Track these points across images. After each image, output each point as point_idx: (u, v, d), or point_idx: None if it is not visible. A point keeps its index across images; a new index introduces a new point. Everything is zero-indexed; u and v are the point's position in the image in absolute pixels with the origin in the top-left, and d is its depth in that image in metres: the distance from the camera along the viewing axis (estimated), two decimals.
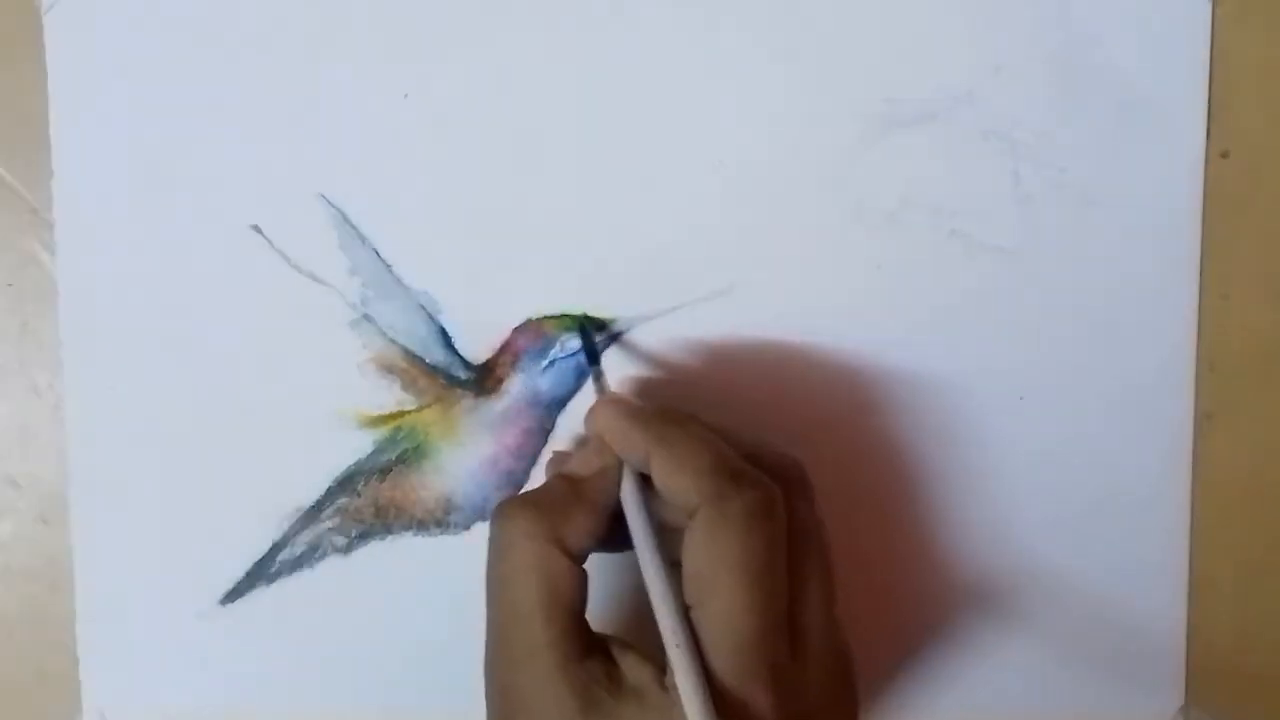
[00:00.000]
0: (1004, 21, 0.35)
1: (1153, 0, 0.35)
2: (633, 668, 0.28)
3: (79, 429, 0.35)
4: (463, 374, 0.36)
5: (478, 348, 0.35)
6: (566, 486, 0.30)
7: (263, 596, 0.36)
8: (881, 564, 0.36)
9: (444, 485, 0.36)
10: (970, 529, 0.36)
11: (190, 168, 0.35)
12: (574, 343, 0.35)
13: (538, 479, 0.35)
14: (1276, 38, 0.35)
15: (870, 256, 0.35)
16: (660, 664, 0.28)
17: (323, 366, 0.35)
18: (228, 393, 0.35)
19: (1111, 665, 0.36)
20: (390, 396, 0.36)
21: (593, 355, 0.34)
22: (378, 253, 0.35)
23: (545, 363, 0.35)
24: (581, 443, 0.34)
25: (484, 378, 0.35)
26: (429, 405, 0.36)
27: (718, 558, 0.27)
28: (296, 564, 0.36)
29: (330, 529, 0.36)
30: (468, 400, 0.36)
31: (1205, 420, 0.36)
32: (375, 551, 0.36)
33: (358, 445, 0.36)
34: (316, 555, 0.36)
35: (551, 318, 0.35)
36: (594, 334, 0.35)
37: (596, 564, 0.30)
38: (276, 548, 0.36)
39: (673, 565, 0.29)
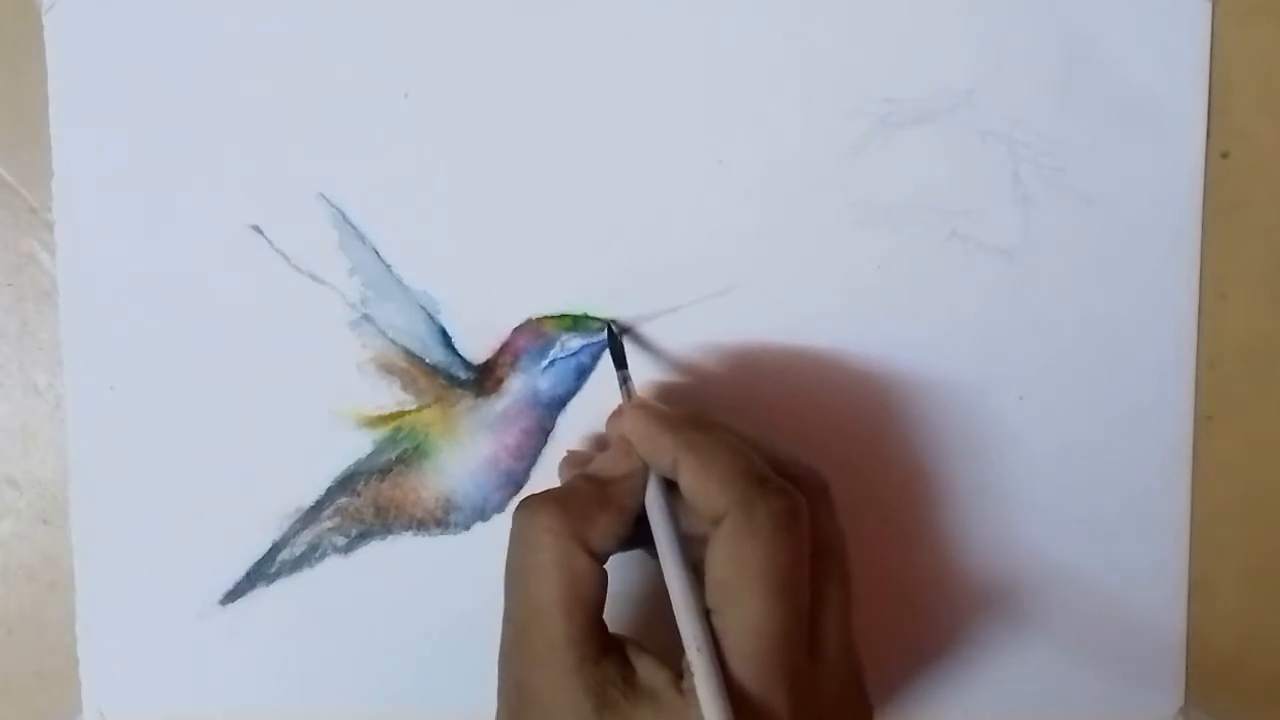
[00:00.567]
0: (1004, 21, 0.35)
1: (1153, 0, 0.35)
2: (648, 671, 0.28)
3: (79, 429, 0.35)
4: (463, 374, 0.36)
5: (478, 348, 0.35)
6: (592, 487, 0.30)
7: (263, 596, 0.36)
8: (877, 565, 0.36)
9: (444, 485, 0.36)
10: (968, 529, 0.36)
11: (190, 168, 0.35)
12: (574, 342, 0.35)
13: (538, 479, 0.35)
14: (1276, 38, 0.35)
15: (870, 256, 0.35)
16: (676, 669, 0.28)
17: (322, 366, 0.35)
18: (228, 392, 0.35)
19: (1111, 665, 0.36)
20: (390, 396, 0.36)
21: (620, 359, 0.34)
22: (378, 253, 0.35)
23: (545, 363, 0.35)
24: (599, 444, 0.34)
25: (484, 378, 0.35)
26: (429, 405, 0.36)
27: (742, 564, 0.28)
28: (296, 564, 0.36)
29: (330, 529, 0.36)
30: (468, 400, 0.36)
31: (1205, 420, 0.36)
32: (375, 551, 0.36)
33: (358, 445, 0.36)
34: (316, 555, 0.36)
35: (551, 318, 0.35)
36: (620, 335, 0.35)
37: (610, 566, 0.30)
38: (276, 548, 0.36)
39: (692, 571, 0.29)
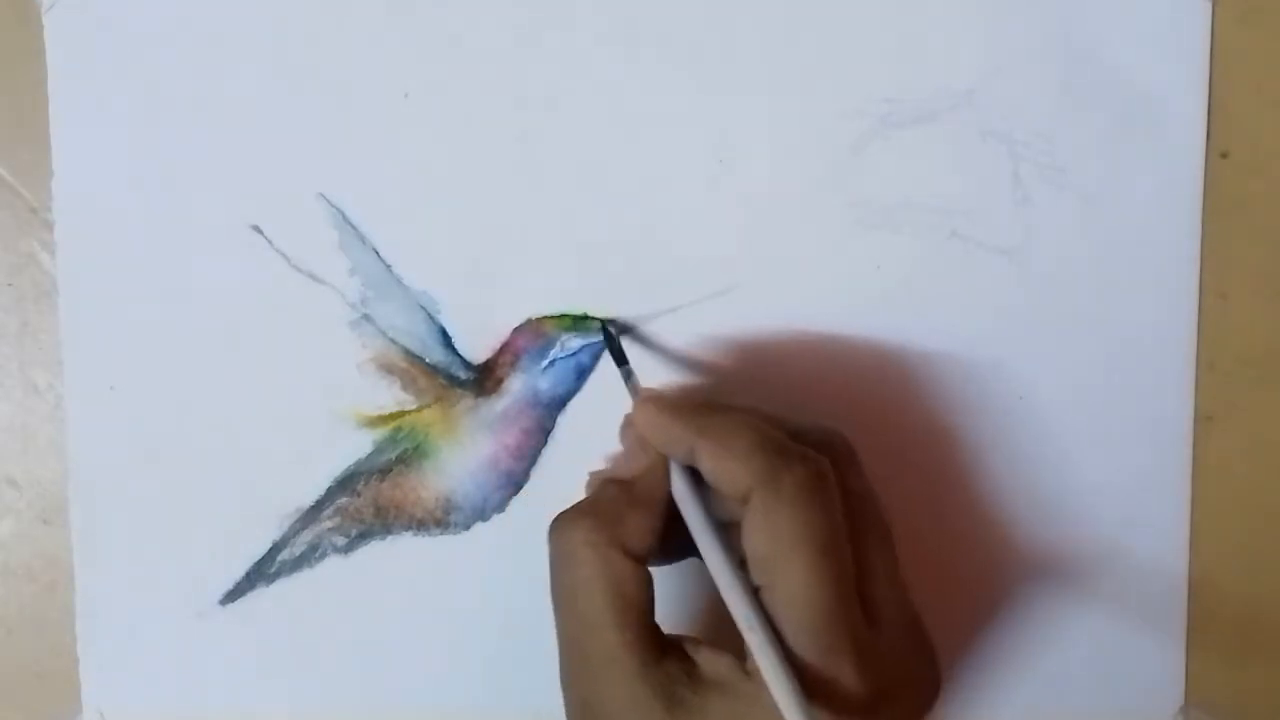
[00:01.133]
0: (1004, 21, 0.35)
1: (1153, 0, 0.35)
2: (709, 661, 0.28)
3: (79, 429, 0.35)
4: (463, 374, 0.36)
5: (478, 348, 0.35)
6: (617, 490, 0.30)
7: (263, 596, 0.36)
8: None
9: (444, 485, 0.36)
10: (968, 530, 0.36)
11: (190, 168, 0.35)
12: (574, 342, 0.35)
13: (538, 479, 0.35)
14: (1276, 38, 0.35)
15: (870, 256, 0.35)
16: (739, 653, 0.28)
17: (322, 366, 0.35)
18: (228, 392, 0.35)
19: (1111, 665, 0.36)
20: (390, 396, 0.36)
21: (619, 356, 0.34)
22: (378, 253, 0.35)
23: (545, 363, 0.35)
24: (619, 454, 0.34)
25: (484, 378, 0.35)
26: (429, 405, 0.36)
27: (779, 536, 0.27)
28: (296, 564, 0.36)
29: (330, 529, 0.36)
30: (468, 400, 0.36)
31: (1205, 420, 0.36)
32: (375, 551, 0.36)
33: (357, 445, 0.36)
34: (316, 555, 0.36)
35: (551, 318, 0.35)
36: (616, 334, 0.34)
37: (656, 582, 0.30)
38: (276, 548, 0.36)
39: (735, 556, 0.29)
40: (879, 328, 0.35)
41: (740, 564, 0.28)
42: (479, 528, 0.36)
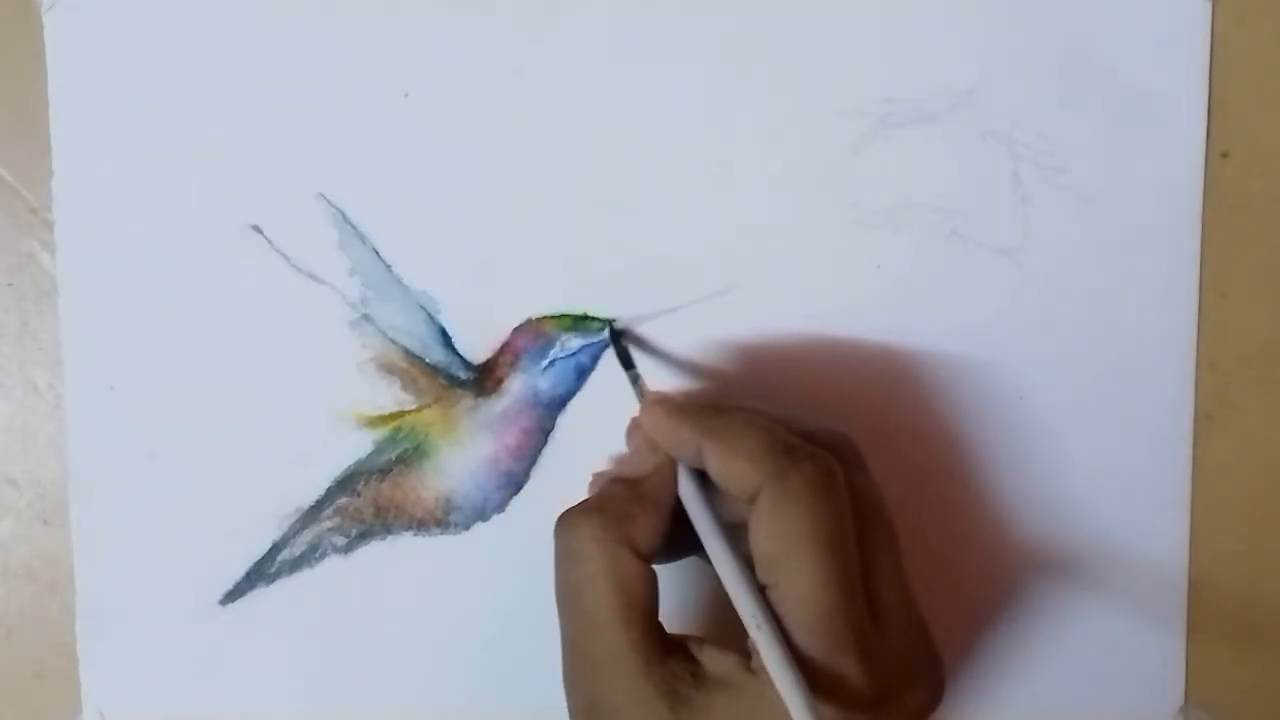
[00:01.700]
0: (1004, 21, 0.35)
1: (1153, 0, 0.35)
2: (714, 660, 0.28)
3: (79, 429, 0.35)
4: (463, 374, 0.36)
5: (478, 348, 0.35)
6: (625, 489, 0.30)
7: (263, 596, 0.36)
8: None
9: (444, 485, 0.36)
10: (967, 529, 0.36)
11: (190, 168, 0.35)
12: (574, 342, 0.35)
13: (538, 479, 0.35)
14: (1276, 38, 0.35)
15: (870, 256, 0.35)
16: (743, 651, 0.28)
17: (322, 366, 0.35)
18: (228, 392, 0.35)
19: (1112, 664, 0.36)
20: (390, 396, 0.36)
21: (626, 359, 0.34)
22: (378, 253, 0.35)
23: (545, 363, 0.35)
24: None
25: (484, 378, 0.35)
26: (429, 405, 0.36)
27: (786, 534, 0.27)
28: (296, 564, 0.36)
29: (330, 529, 0.36)
30: (468, 400, 0.36)
31: (1205, 420, 0.36)
32: (375, 551, 0.36)
33: (358, 445, 0.36)
34: (316, 555, 0.36)
35: (551, 318, 0.35)
36: (622, 337, 0.34)
37: (662, 580, 0.30)
38: (276, 548, 0.36)
39: (741, 557, 0.29)
40: (879, 328, 0.35)
41: (746, 564, 0.28)
42: (479, 528, 0.36)
